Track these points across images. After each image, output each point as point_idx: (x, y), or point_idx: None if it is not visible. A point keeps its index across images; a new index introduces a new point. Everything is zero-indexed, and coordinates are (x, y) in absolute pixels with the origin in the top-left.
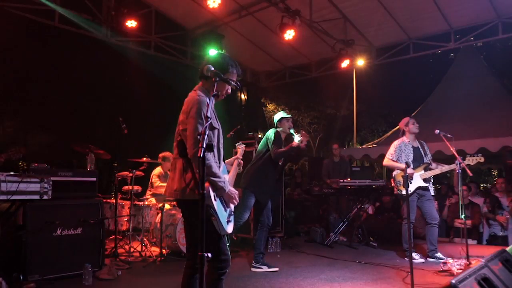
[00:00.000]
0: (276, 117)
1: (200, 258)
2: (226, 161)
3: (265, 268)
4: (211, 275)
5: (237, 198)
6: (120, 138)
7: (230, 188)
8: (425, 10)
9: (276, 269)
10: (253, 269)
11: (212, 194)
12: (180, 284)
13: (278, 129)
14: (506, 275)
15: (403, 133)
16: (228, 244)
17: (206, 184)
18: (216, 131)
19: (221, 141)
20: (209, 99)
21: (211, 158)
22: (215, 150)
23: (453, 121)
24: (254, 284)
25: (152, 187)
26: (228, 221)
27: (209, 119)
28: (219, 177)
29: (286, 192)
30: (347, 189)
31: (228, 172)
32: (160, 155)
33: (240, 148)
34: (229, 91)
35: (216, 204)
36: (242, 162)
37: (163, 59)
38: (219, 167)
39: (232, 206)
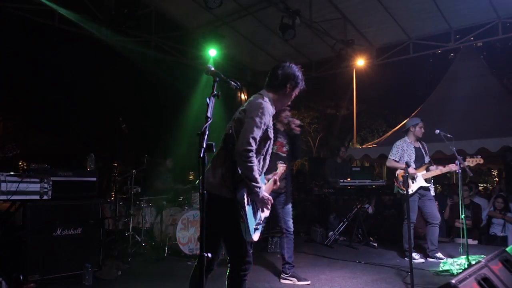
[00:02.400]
0: None
1: (200, 258)
2: (266, 176)
3: (294, 281)
4: (234, 278)
5: (270, 205)
6: (120, 138)
7: (265, 194)
8: (425, 10)
9: (308, 282)
10: (282, 281)
11: (246, 198)
12: (181, 284)
13: None
14: (506, 275)
15: (406, 132)
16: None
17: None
18: (269, 141)
19: (269, 151)
20: (209, 99)
21: (255, 162)
22: (261, 158)
23: (453, 121)
24: (254, 284)
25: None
26: (256, 229)
27: (209, 119)
28: (257, 182)
29: None
30: (347, 189)
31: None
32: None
33: (282, 166)
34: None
35: (248, 208)
36: (278, 184)
37: (163, 59)
38: (260, 175)
39: (263, 214)
